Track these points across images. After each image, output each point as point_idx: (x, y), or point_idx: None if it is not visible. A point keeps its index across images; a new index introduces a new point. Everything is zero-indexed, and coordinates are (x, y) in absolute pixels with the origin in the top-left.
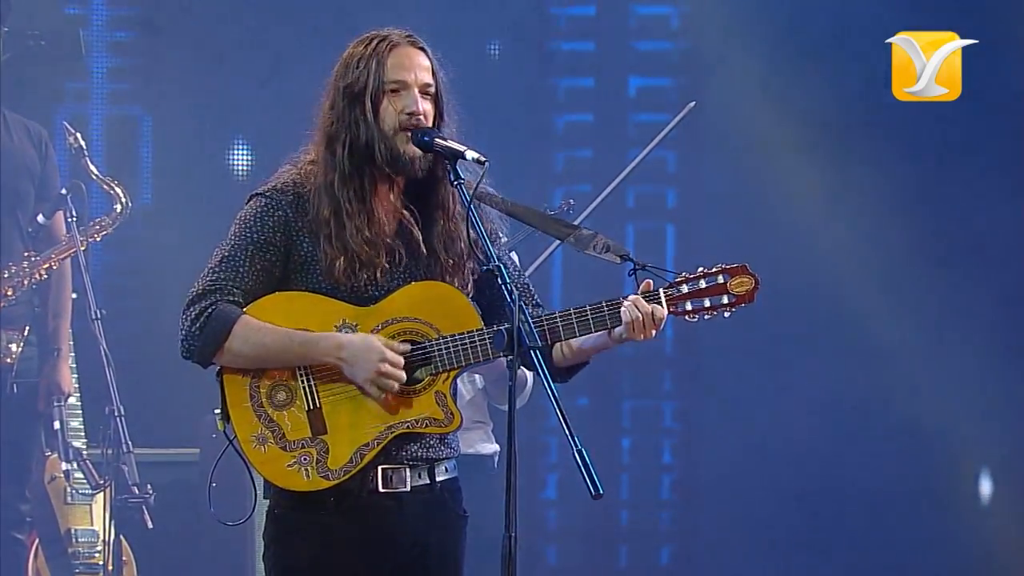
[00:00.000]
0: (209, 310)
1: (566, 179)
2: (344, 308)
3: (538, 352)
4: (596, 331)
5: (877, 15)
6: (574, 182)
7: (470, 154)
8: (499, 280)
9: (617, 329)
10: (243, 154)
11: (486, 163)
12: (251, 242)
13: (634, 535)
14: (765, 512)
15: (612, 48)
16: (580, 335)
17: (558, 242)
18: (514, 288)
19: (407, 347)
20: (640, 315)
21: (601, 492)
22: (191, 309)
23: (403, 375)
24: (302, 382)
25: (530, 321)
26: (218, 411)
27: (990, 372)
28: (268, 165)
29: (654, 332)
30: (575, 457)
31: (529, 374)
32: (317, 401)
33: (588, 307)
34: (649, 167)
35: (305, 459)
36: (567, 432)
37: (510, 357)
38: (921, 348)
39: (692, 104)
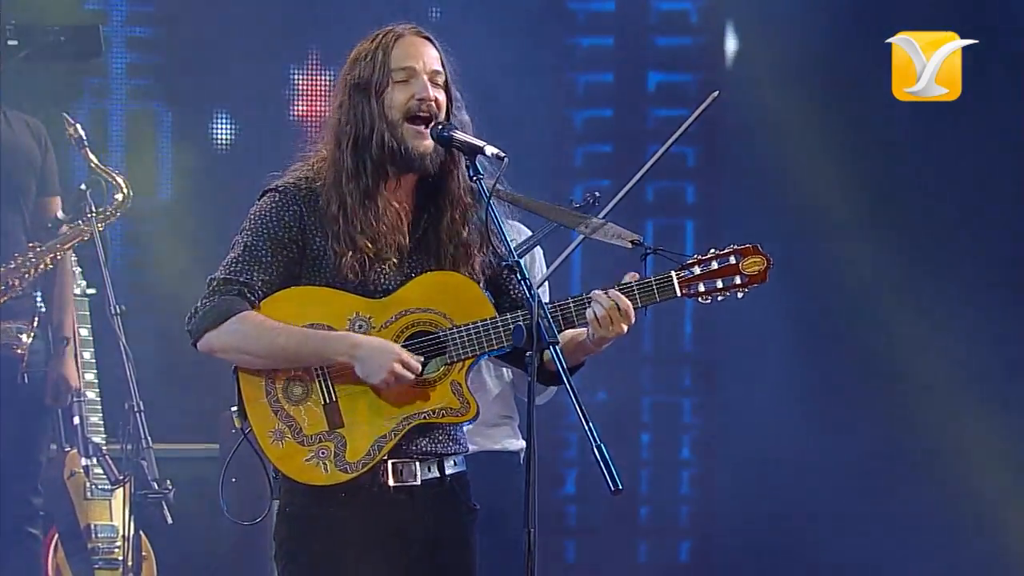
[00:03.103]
0: (220, 293)
1: (585, 174)
2: (357, 301)
3: (556, 348)
4: (565, 328)
5: (877, 15)
6: (593, 177)
7: (489, 149)
8: (517, 276)
9: (588, 330)
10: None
11: (505, 158)
12: (270, 236)
13: (653, 530)
14: (783, 508)
15: (631, 43)
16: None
17: (579, 240)
18: (532, 284)
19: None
20: (605, 310)
21: (620, 487)
22: (209, 295)
23: (418, 369)
24: (318, 376)
25: (549, 316)
26: (235, 408)
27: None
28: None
29: (625, 327)
30: (594, 452)
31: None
32: (333, 395)
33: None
34: (668, 162)
35: (323, 453)
36: (586, 427)
37: (529, 352)
38: (935, 346)
39: (716, 93)
